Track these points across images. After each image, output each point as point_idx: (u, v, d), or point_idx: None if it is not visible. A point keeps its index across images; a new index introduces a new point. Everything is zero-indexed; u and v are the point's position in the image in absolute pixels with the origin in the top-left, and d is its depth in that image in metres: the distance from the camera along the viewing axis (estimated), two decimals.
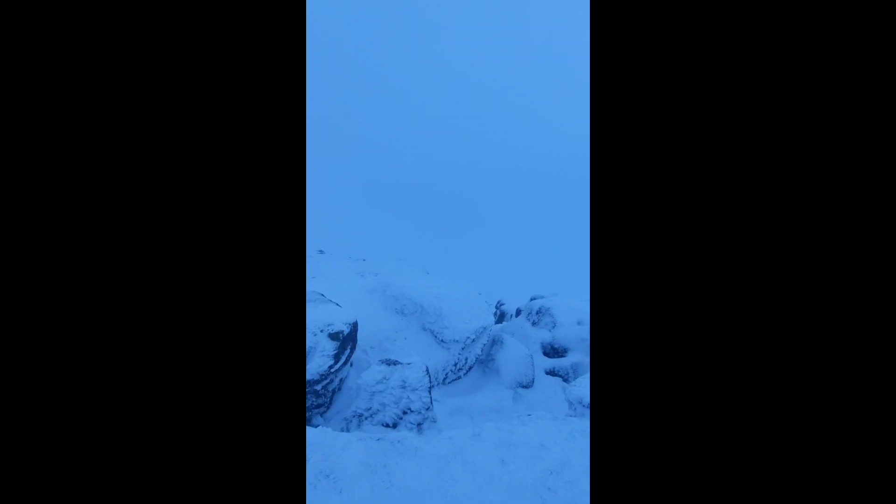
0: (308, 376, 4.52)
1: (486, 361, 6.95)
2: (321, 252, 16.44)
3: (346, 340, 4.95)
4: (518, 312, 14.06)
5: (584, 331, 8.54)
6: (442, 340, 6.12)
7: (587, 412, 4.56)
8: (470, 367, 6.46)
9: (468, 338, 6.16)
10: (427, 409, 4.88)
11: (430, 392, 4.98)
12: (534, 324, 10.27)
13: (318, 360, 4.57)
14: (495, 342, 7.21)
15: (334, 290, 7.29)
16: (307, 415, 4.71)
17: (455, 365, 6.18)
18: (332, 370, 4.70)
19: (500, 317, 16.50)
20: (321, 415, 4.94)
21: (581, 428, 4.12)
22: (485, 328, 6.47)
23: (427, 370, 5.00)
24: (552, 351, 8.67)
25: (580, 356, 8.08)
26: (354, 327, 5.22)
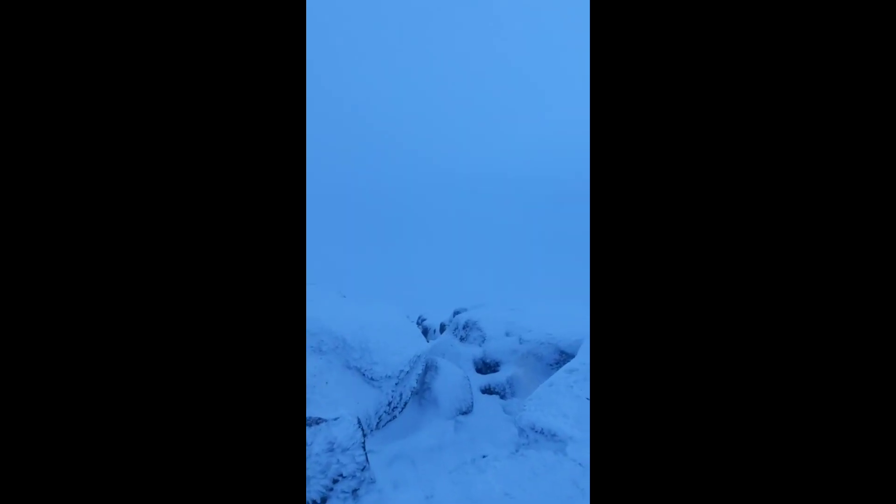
0: None
1: (421, 392, 6.28)
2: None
3: None
4: (442, 328, 13.66)
5: (514, 342, 8.44)
6: (372, 378, 5.28)
7: (541, 439, 4.24)
8: (406, 403, 5.72)
9: (402, 371, 5.43)
10: (363, 469, 4.02)
11: (363, 447, 4.14)
12: (462, 339, 9.92)
13: None
14: (429, 368, 6.59)
15: None
16: None
17: (389, 404, 5.38)
18: None
19: (424, 333, 15.93)
20: None
21: (542, 462, 3.73)
22: (419, 356, 5.81)
23: (359, 422, 4.15)
24: (484, 366, 8.38)
25: (514, 369, 7.92)
26: None
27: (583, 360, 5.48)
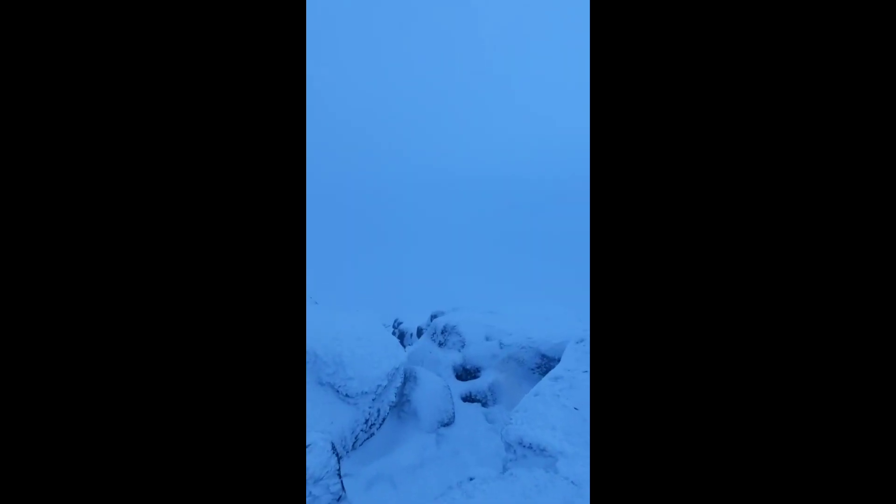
0: None
1: (400, 405, 5.94)
2: None
3: None
4: (420, 332, 13.31)
5: (494, 346, 8.24)
6: (347, 395, 4.90)
7: (529, 454, 4.02)
8: (384, 419, 5.36)
9: (379, 386, 5.07)
10: (339, 499, 3.66)
11: (339, 474, 3.77)
12: (440, 344, 9.64)
13: None
14: (407, 379, 6.26)
15: None
16: None
17: (367, 422, 5.02)
18: None
19: (400, 337, 15.51)
20: None
21: (533, 482, 3.50)
22: (397, 368, 5.47)
23: (333, 447, 3.77)
24: (464, 372, 8.13)
25: (495, 374, 7.71)
26: None
27: (567, 365, 5.33)
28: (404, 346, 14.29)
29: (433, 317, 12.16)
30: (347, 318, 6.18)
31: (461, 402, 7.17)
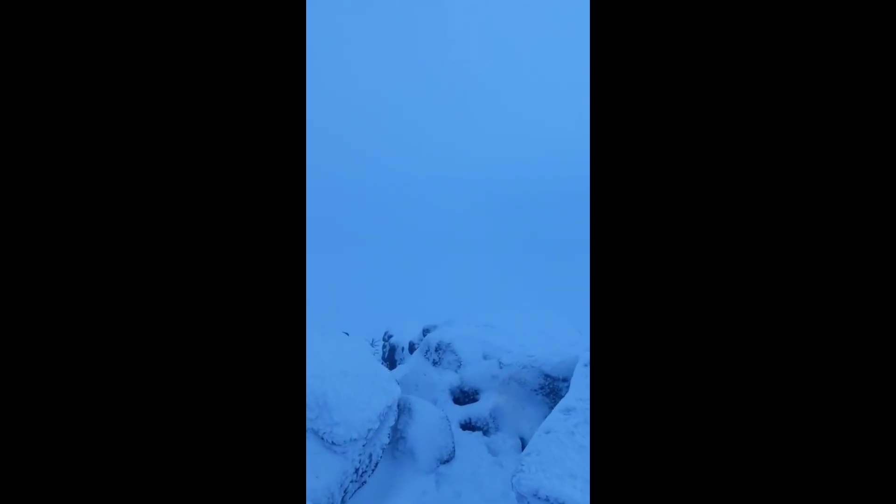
0: None
1: (394, 442, 5.33)
2: None
3: None
4: (411, 347, 12.67)
5: (493, 366, 7.70)
6: (333, 443, 4.28)
7: None
8: (377, 464, 4.75)
9: (370, 430, 4.46)
10: None
11: None
12: (434, 363, 9.05)
13: None
14: (401, 411, 5.66)
15: None
16: None
17: (357, 471, 4.40)
18: None
19: (391, 352, 14.84)
20: None
21: None
22: (390, 406, 4.87)
23: None
24: (462, 395, 7.56)
25: (495, 397, 7.17)
26: None
27: (578, 394, 4.82)
28: (395, 362, 13.61)
29: (425, 331, 11.56)
30: (330, 346, 5.54)
31: (460, 430, 6.61)
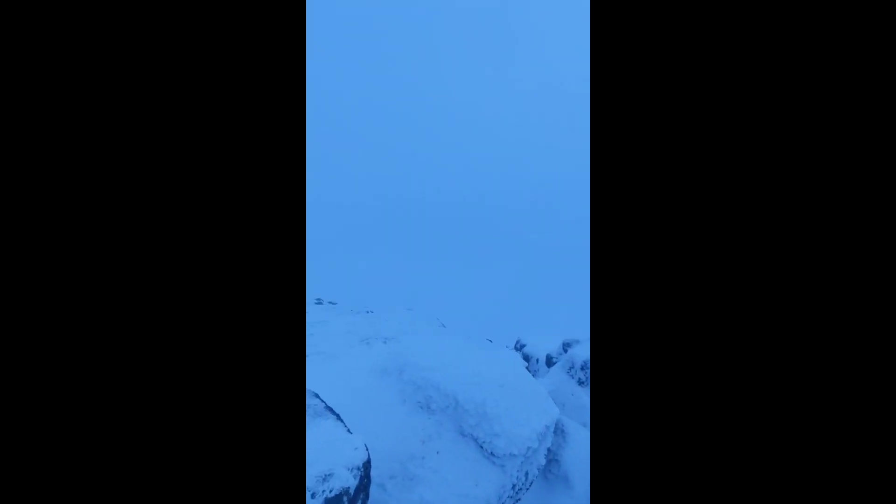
0: None
1: (547, 465, 5.05)
2: (319, 302, 14.56)
3: (355, 496, 3.10)
4: (549, 361, 12.11)
5: None
6: (492, 454, 4.25)
7: None
8: (531, 484, 4.55)
9: (530, 448, 4.29)
10: None
11: None
12: (580, 383, 8.39)
13: None
14: (555, 433, 5.33)
15: (335, 377, 5.45)
16: None
17: (514, 487, 4.28)
18: None
19: (525, 360, 14.47)
20: None
21: None
22: (548, 427, 4.62)
23: None
24: None
25: None
26: (367, 468, 3.37)
27: None
28: (531, 374, 13.21)
29: (566, 345, 10.88)
30: (484, 357, 5.59)
31: None
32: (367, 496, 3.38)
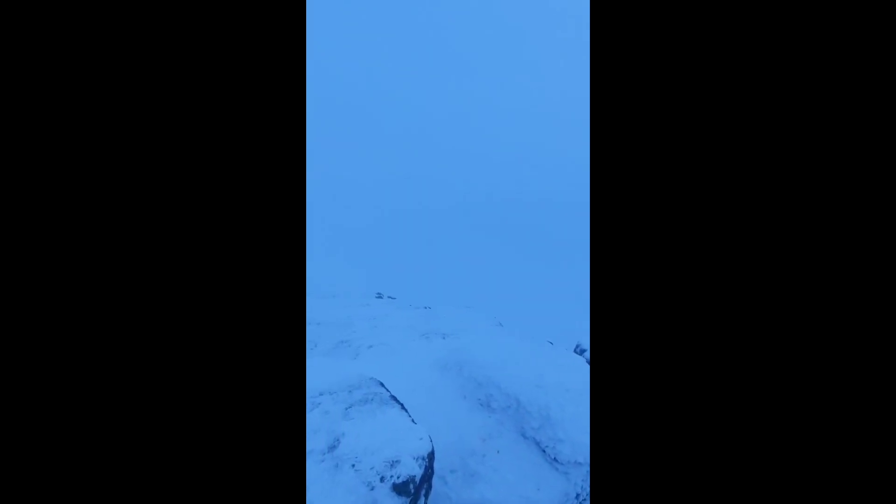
0: None
1: None
2: (379, 296, 15.18)
3: (420, 485, 3.18)
4: None
5: None
6: (555, 459, 4.11)
7: None
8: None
9: None
10: None
11: None
12: None
13: None
14: None
15: (394, 368, 5.64)
16: None
17: (577, 497, 4.10)
18: None
19: (588, 363, 13.83)
20: None
21: None
22: None
23: None
24: None
25: None
26: (431, 460, 3.43)
27: None
28: None
29: None
30: (547, 359, 5.43)
31: None
32: (429, 487, 3.45)
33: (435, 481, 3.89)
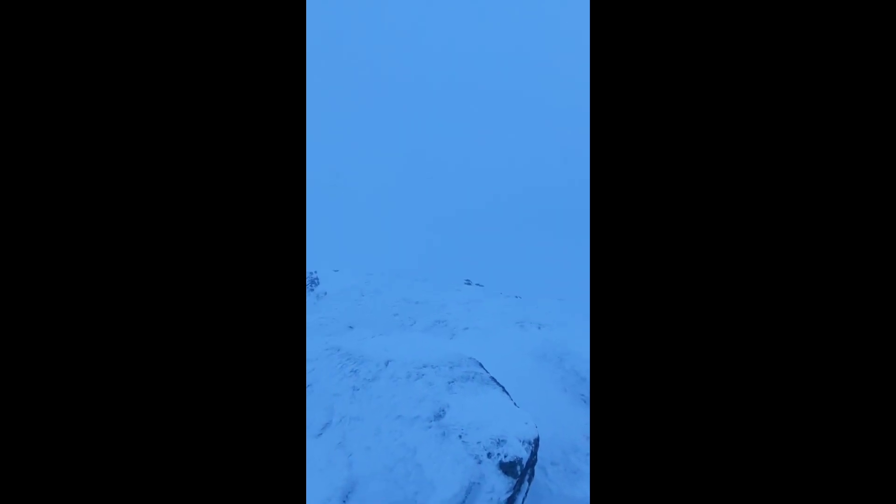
0: None
1: None
2: (468, 283, 15.38)
3: (525, 469, 3.09)
4: None
5: None
6: None
7: None
8: None
9: None
10: None
11: None
12: None
13: None
14: None
15: (489, 353, 5.61)
16: None
17: None
18: None
19: None
20: None
21: None
22: None
23: None
24: None
25: None
26: (536, 446, 3.32)
27: None
28: None
29: None
30: None
31: None
32: (532, 474, 3.35)
33: (536, 470, 3.78)
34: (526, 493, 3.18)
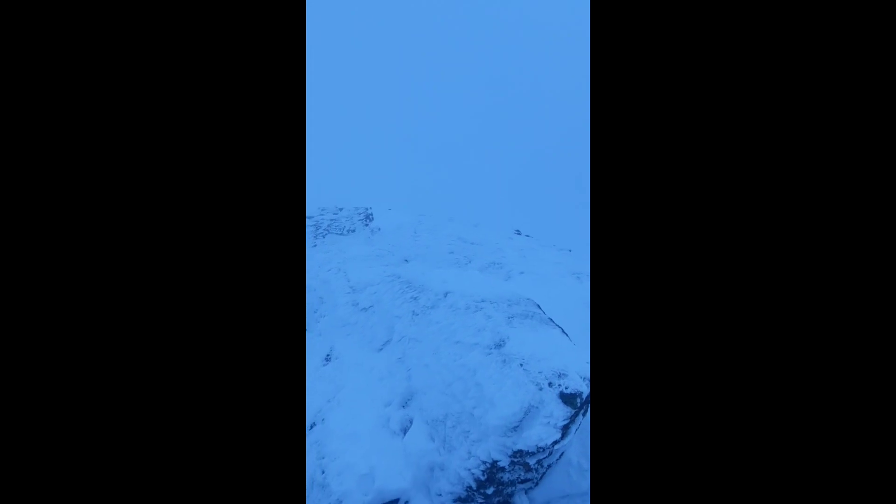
0: (522, 445, 2.99)
1: None
2: (518, 233, 15.13)
3: (584, 403, 3.16)
4: None
5: None
6: None
7: None
8: None
9: None
10: None
11: None
12: None
13: (540, 428, 2.95)
14: None
15: (546, 299, 5.58)
16: (509, 489, 3.25)
17: None
18: (556, 444, 3.02)
19: None
20: (526, 492, 3.41)
21: None
22: None
23: None
24: None
25: None
26: None
27: None
28: None
29: None
30: None
31: None
32: (587, 411, 3.43)
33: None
34: (579, 426, 3.28)
